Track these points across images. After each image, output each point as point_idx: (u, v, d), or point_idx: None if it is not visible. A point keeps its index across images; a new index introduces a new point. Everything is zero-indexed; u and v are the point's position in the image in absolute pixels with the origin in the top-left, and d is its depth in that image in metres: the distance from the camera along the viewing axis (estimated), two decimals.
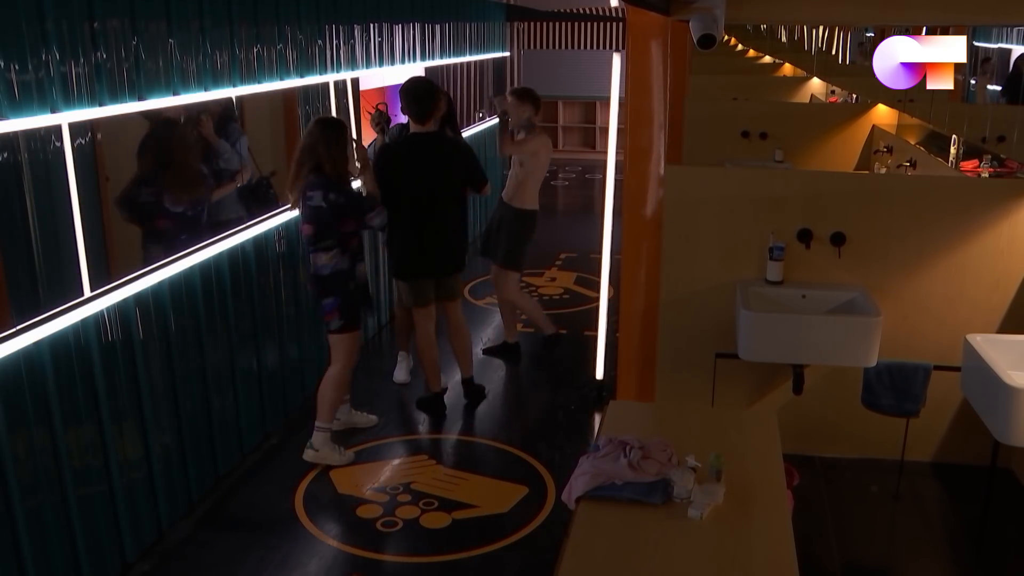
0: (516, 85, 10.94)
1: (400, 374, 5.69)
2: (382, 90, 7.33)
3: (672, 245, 4.47)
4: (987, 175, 4.93)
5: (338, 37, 5.48)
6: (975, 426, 3.79)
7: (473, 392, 5.40)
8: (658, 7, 3.92)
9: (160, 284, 3.88)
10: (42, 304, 3.22)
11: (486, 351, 6.15)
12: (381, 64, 6.23)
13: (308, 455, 4.57)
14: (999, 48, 5.08)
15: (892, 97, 6.04)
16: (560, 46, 10.21)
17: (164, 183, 4.06)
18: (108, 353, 3.55)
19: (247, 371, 4.67)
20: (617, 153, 5.27)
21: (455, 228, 5.03)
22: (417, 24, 6.89)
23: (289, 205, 4.57)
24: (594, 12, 10.10)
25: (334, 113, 5.77)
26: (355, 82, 6.04)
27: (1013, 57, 4.93)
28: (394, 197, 4.79)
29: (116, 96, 3.48)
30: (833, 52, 8.54)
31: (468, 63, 8.91)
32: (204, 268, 4.23)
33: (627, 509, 2.62)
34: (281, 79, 4.82)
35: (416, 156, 4.87)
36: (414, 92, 4.87)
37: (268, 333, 4.88)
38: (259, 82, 4.59)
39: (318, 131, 4.35)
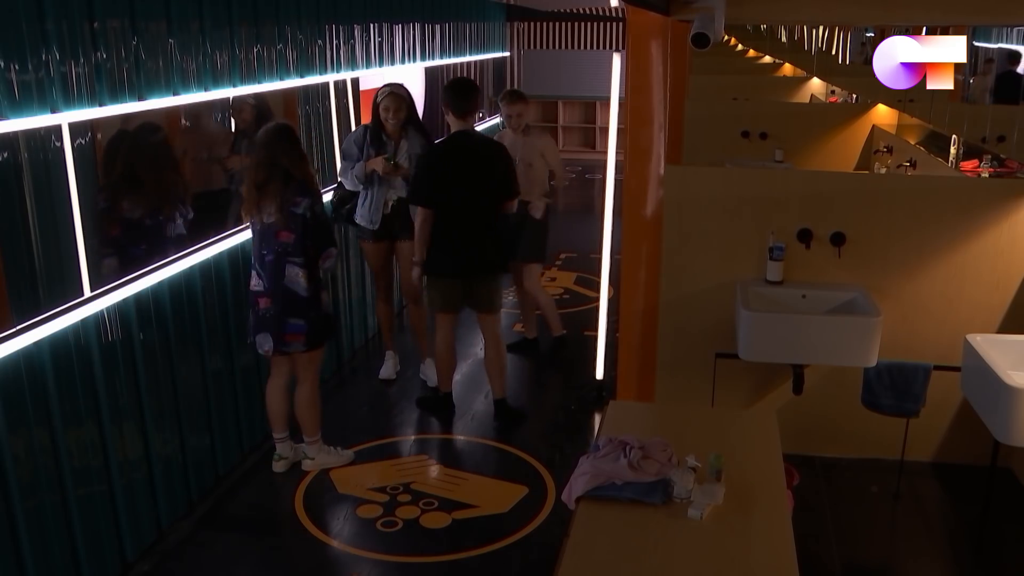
0: (515, 85, 10.95)
1: (386, 370, 5.68)
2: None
3: (672, 245, 4.47)
4: (987, 175, 4.93)
5: (338, 37, 5.49)
6: (975, 426, 3.79)
7: (507, 413, 5.17)
8: (658, 7, 3.92)
9: (160, 284, 3.88)
10: (42, 304, 3.22)
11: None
12: (381, 64, 6.24)
13: (307, 465, 4.54)
14: (999, 48, 5.08)
15: (892, 97, 6.04)
16: (560, 46, 10.21)
17: (122, 189, 3.80)
18: (108, 353, 3.55)
19: (247, 371, 4.67)
20: (617, 153, 5.27)
21: (488, 230, 4.87)
22: (417, 24, 6.89)
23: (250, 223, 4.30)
24: (594, 12, 10.09)
25: (334, 113, 5.77)
26: (355, 82, 6.05)
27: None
28: (438, 195, 4.75)
29: (116, 96, 3.48)
30: (833, 52, 8.54)
31: (468, 63, 8.91)
32: (204, 268, 4.23)
33: (627, 509, 2.62)
34: (281, 79, 4.82)
35: (458, 154, 4.82)
36: (457, 86, 4.89)
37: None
38: (259, 82, 4.59)
39: (272, 141, 4.18)
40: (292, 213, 4.16)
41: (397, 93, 5.17)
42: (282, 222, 4.16)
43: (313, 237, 4.20)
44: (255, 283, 4.26)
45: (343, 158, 5.34)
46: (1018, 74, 4.69)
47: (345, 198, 5.38)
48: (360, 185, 5.22)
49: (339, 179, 5.38)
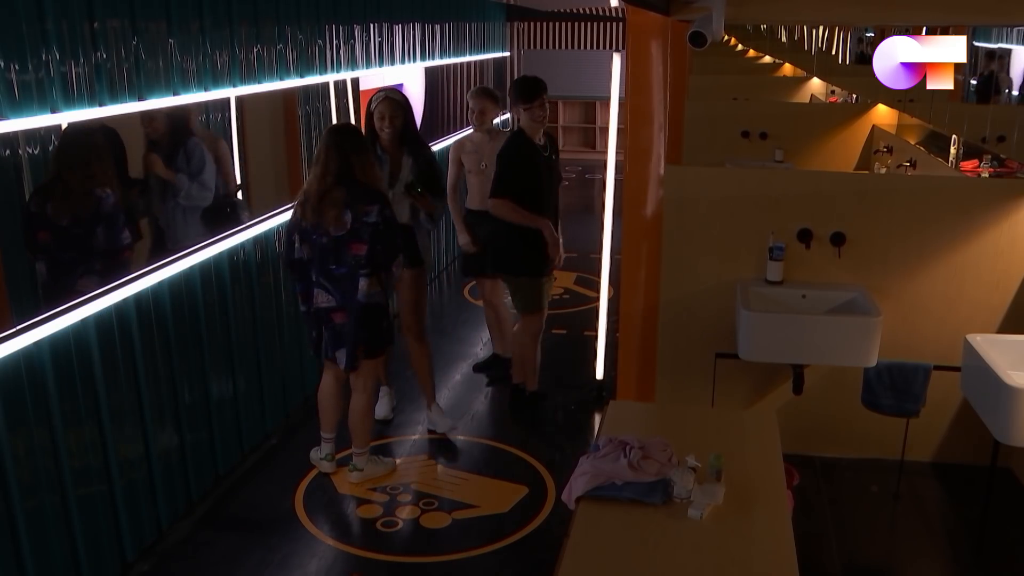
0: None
1: (382, 408, 5.12)
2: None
3: (672, 245, 4.47)
4: (987, 175, 4.94)
5: (338, 37, 5.48)
6: (975, 426, 3.79)
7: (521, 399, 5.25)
8: (658, 7, 3.93)
9: (160, 284, 3.88)
10: (41, 304, 3.22)
11: (476, 368, 5.86)
12: (381, 64, 6.23)
13: (354, 477, 4.41)
14: (999, 48, 5.08)
15: (892, 97, 6.04)
16: (560, 46, 10.20)
17: (52, 192, 3.58)
18: (108, 353, 3.55)
19: (247, 371, 4.67)
20: (617, 153, 5.27)
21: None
22: (417, 24, 6.89)
23: (301, 219, 4.07)
24: (594, 12, 10.09)
25: (334, 113, 5.77)
26: (355, 82, 6.04)
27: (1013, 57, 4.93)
28: (529, 192, 4.77)
29: (116, 96, 3.48)
30: (833, 52, 8.55)
31: (468, 63, 8.91)
32: (204, 267, 4.23)
33: (627, 509, 2.62)
34: (281, 79, 4.82)
35: (536, 151, 4.88)
36: (525, 83, 4.89)
37: (268, 332, 4.88)
38: (259, 82, 4.58)
39: (340, 143, 4.00)
40: (364, 223, 3.96)
41: (393, 98, 4.69)
42: (355, 233, 3.96)
43: (384, 244, 4.02)
44: (324, 300, 4.06)
45: None
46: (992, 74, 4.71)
47: None
48: None
49: None
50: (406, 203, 4.65)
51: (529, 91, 4.81)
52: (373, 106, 4.66)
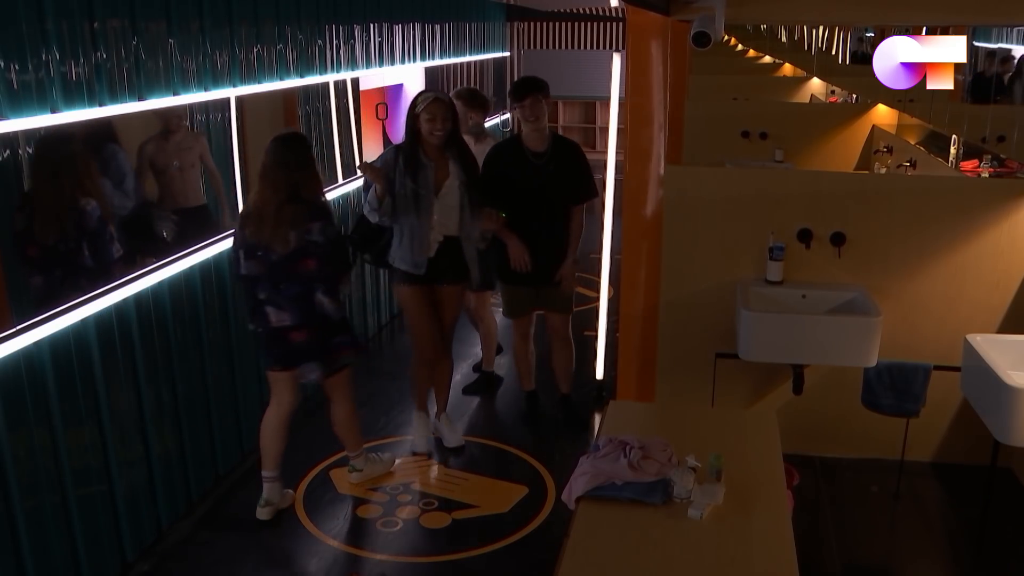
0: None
1: (421, 442, 4.77)
2: (382, 90, 7.34)
3: (672, 245, 4.47)
4: (987, 175, 4.94)
5: (338, 37, 5.48)
6: (975, 426, 3.79)
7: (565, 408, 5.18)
8: (658, 7, 3.93)
9: (160, 284, 3.88)
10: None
11: (466, 391, 5.56)
12: (381, 64, 6.23)
13: (355, 478, 4.36)
14: (999, 48, 5.08)
15: (892, 97, 6.04)
16: (560, 46, 10.20)
17: (34, 207, 3.42)
18: (108, 353, 3.55)
19: (247, 370, 4.67)
20: (617, 153, 5.27)
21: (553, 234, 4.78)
22: (417, 24, 6.89)
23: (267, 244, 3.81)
24: (594, 12, 10.09)
25: (334, 113, 5.77)
26: (355, 82, 6.04)
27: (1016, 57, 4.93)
28: (497, 198, 4.58)
29: (116, 96, 3.48)
30: (833, 52, 8.55)
31: (468, 63, 8.91)
32: (204, 267, 4.23)
33: (627, 509, 2.62)
34: (281, 79, 4.82)
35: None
36: (521, 78, 4.80)
37: None
38: (259, 82, 4.58)
39: (286, 157, 3.80)
40: (308, 240, 3.81)
41: (443, 100, 4.28)
42: (302, 250, 3.81)
43: (330, 262, 3.89)
44: (277, 319, 3.87)
45: (366, 190, 4.44)
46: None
47: (370, 235, 4.40)
48: (386, 219, 4.29)
49: (365, 214, 4.38)
50: (454, 214, 4.32)
51: (518, 89, 4.64)
52: (420, 107, 4.23)
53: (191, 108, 4.11)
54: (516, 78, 11.21)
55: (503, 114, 10.14)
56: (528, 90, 4.60)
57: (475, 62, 9.11)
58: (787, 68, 10.80)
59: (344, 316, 4.04)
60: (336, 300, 3.95)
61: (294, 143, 3.88)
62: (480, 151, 4.85)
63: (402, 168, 4.25)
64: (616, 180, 5.37)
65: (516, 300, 4.90)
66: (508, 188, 4.62)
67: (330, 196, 5.60)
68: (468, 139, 5.02)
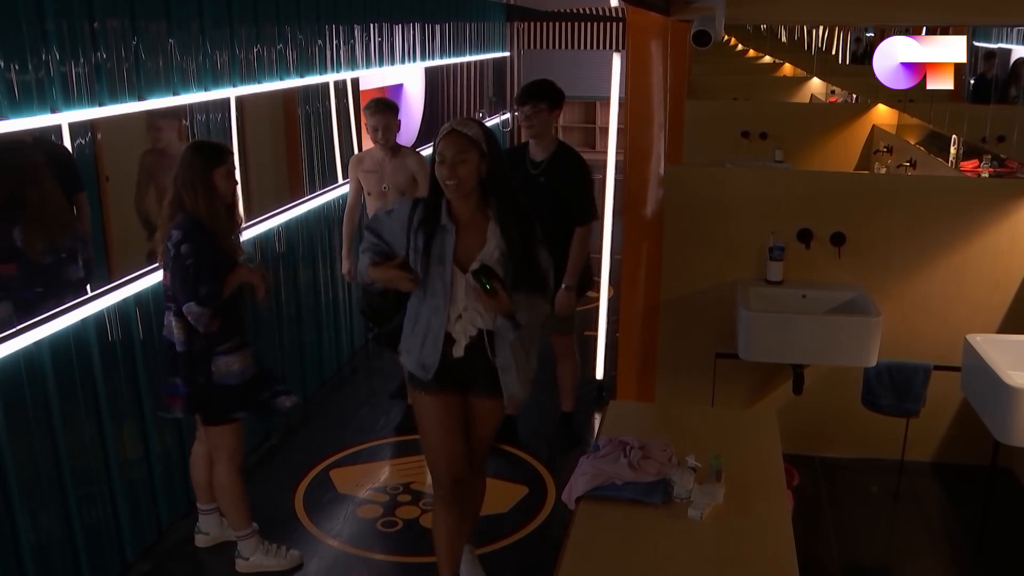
0: (515, 86, 10.92)
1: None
2: (382, 90, 7.33)
3: (672, 245, 4.47)
4: (987, 175, 4.94)
5: (338, 37, 5.48)
6: (975, 426, 3.79)
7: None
8: (658, 7, 3.92)
9: (160, 284, 3.87)
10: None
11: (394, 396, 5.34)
12: (381, 64, 6.23)
13: (241, 566, 3.73)
14: (999, 48, 5.08)
15: (892, 97, 6.05)
16: (560, 46, 10.20)
17: (17, 217, 3.20)
18: (108, 353, 3.55)
19: None
20: (617, 153, 5.27)
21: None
22: (417, 24, 6.89)
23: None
24: (594, 12, 10.09)
25: (334, 113, 5.76)
26: (355, 82, 6.04)
27: (1013, 58, 4.93)
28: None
29: (116, 96, 3.48)
30: (833, 52, 8.55)
31: (468, 63, 8.91)
32: None
33: (627, 509, 2.62)
34: (281, 79, 4.82)
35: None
36: (530, 81, 4.53)
37: (268, 332, 4.87)
38: (259, 82, 4.59)
39: (182, 161, 3.32)
40: (165, 247, 3.31)
41: (461, 132, 2.89)
42: (165, 261, 3.33)
43: (174, 277, 3.29)
44: (166, 331, 3.46)
45: (365, 250, 3.14)
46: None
47: (383, 308, 3.36)
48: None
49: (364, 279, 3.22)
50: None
51: (520, 93, 4.41)
52: (437, 143, 2.93)
53: (191, 108, 4.11)
54: (516, 78, 11.24)
55: (503, 114, 10.15)
56: (527, 96, 4.36)
57: (475, 62, 9.12)
58: (787, 68, 10.81)
59: (199, 361, 3.36)
60: (184, 330, 3.32)
61: (194, 160, 3.32)
62: (397, 167, 4.61)
63: (417, 226, 2.99)
64: (616, 180, 5.37)
65: None
66: None
67: (330, 196, 5.61)
68: (380, 153, 4.65)
